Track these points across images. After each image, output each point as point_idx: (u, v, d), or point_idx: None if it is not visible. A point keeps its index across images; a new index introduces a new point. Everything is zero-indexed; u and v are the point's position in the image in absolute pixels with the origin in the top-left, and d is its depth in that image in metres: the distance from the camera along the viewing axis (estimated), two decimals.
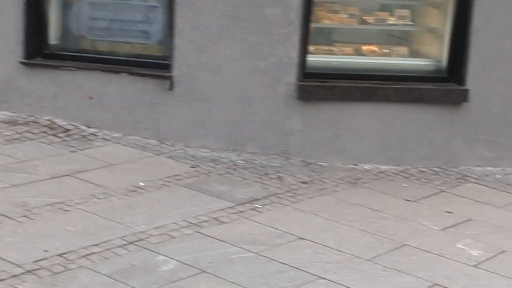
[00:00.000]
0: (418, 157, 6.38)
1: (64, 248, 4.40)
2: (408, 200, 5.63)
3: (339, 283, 4.22)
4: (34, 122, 6.63)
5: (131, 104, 6.50)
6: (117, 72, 6.54)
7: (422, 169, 6.33)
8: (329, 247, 4.69)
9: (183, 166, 5.97)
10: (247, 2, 6.16)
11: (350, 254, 4.59)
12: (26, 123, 6.60)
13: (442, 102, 6.35)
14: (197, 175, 5.81)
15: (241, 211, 5.16)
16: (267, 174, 5.96)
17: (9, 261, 4.18)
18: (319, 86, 6.25)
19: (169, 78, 6.35)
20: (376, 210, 5.34)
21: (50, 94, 6.70)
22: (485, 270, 4.54)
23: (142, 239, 4.60)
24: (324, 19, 6.56)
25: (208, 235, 4.73)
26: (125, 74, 6.51)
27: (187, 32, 6.27)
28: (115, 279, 4.09)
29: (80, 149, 6.18)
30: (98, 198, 5.19)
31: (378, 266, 4.48)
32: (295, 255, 4.53)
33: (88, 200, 5.13)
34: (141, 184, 5.50)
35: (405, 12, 6.58)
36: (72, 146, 6.22)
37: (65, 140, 6.34)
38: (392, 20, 6.59)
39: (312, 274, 4.31)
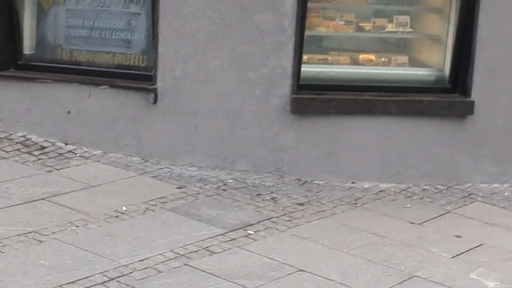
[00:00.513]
0: (420, 174, 5.96)
1: (37, 287, 3.94)
2: (413, 223, 5.21)
3: None
4: (7, 138, 6.16)
5: (112, 119, 6.04)
6: (97, 84, 6.08)
7: (425, 187, 5.92)
8: (332, 280, 4.26)
9: (168, 187, 5.52)
10: (236, 8, 5.73)
11: None
12: None
13: (446, 114, 5.94)
14: (184, 197, 5.36)
15: (233, 239, 4.71)
16: (260, 195, 5.52)
17: None
18: (315, 99, 5.81)
19: (153, 90, 5.90)
20: (380, 236, 4.91)
21: (24, 108, 6.24)
22: None
23: (125, 275, 4.14)
24: (319, 26, 6.14)
25: (197, 268, 4.28)
26: (105, 86, 6.06)
27: (172, 41, 5.82)
28: None
29: (57, 169, 5.71)
30: (76, 226, 4.72)
31: None
32: None
33: (65, 229, 4.67)
34: (124, 208, 5.04)
35: (405, 19, 6.17)
36: (48, 166, 5.75)
37: (41, 159, 5.88)
38: (391, 27, 6.18)
39: None
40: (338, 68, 6.13)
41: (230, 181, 5.74)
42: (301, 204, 5.39)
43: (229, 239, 4.70)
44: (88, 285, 4.00)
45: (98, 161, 5.93)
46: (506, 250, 4.86)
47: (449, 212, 5.49)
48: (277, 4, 5.70)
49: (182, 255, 4.43)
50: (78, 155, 6.02)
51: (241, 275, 4.24)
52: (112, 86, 6.04)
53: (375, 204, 5.53)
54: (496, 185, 5.99)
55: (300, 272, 4.33)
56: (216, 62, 5.79)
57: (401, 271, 4.42)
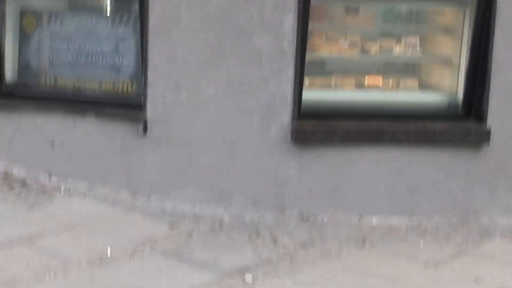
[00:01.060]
0: (433, 208, 5.50)
1: None
2: (428, 265, 4.73)
3: None
4: None
5: (99, 150, 5.60)
6: (83, 113, 5.65)
7: (438, 222, 5.45)
8: None
9: (159, 225, 5.07)
10: (232, 29, 5.29)
11: None
12: None
13: (460, 143, 5.47)
14: (176, 237, 4.90)
15: (229, 286, 4.24)
16: (258, 233, 5.06)
17: None
18: (318, 128, 5.36)
19: (143, 120, 5.46)
20: (392, 280, 4.44)
21: (5, 138, 5.83)
22: None
23: None
24: (321, 48, 5.70)
25: None
26: (91, 115, 5.61)
27: (163, 66, 5.39)
28: None
29: (39, 205, 5.26)
30: (55, 274, 4.25)
31: None
32: None
33: (42, 278, 4.20)
34: (109, 252, 4.58)
35: (414, 39, 5.74)
36: (30, 202, 5.30)
37: (21, 195, 5.43)
38: (399, 49, 5.75)
39: None
40: (342, 94, 5.69)
41: (226, 217, 5.29)
42: (303, 244, 4.93)
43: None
44: None
45: (84, 197, 5.49)
46: None
47: (466, 251, 5.01)
48: (276, 24, 5.26)
49: None
50: (62, 189, 5.58)
51: None
52: (99, 115, 5.60)
53: (385, 243, 5.06)
54: None
55: None
56: (210, 89, 5.35)
57: None
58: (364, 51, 5.73)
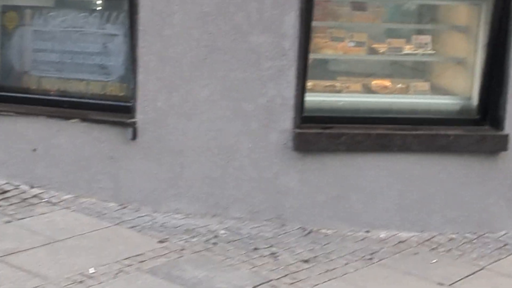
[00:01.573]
0: (446, 220, 5.11)
1: None
2: (442, 285, 4.33)
3: None
4: None
5: (85, 157, 5.19)
6: (68, 117, 5.23)
7: (452, 236, 5.06)
8: None
9: (149, 240, 4.65)
10: (228, 28, 4.88)
11: None
12: None
13: (475, 151, 5.07)
14: (166, 254, 4.47)
15: None
16: (257, 249, 4.64)
17: None
18: (321, 134, 4.95)
19: (132, 125, 5.04)
20: None
21: None
22: None
23: None
24: (325, 49, 5.29)
25: None
26: (77, 120, 5.20)
27: (154, 67, 4.98)
28: None
29: (18, 218, 4.84)
30: None
31: None
32: None
33: None
34: (91, 271, 4.16)
35: (425, 39, 5.35)
36: (8, 214, 4.88)
37: (0, 206, 5.00)
38: (409, 49, 5.34)
39: None
40: (348, 97, 5.28)
41: (222, 231, 4.87)
42: (306, 261, 4.51)
43: None
44: None
45: (68, 208, 5.06)
46: None
47: (482, 268, 4.61)
48: (276, 23, 4.86)
49: None
50: (45, 200, 5.16)
51: None
52: (85, 119, 5.19)
53: (394, 259, 4.65)
54: None
55: None
56: (205, 92, 4.94)
57: None
58: (371, 51, 5.33)
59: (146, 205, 5.08)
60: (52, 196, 5.20)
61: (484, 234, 5.09)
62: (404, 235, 5.02)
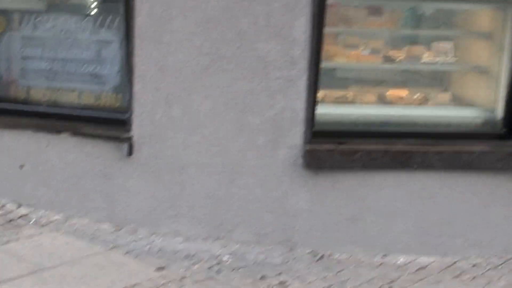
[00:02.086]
0: (470, 244, 4.70)
1: None
2: None
3: None
4: None
5: (77, 175, 4.78)
6: (58, 131, 4.83)
7: (476, 261, 4.64)
8: None
9: (145, 268, 4.23)
10: (233, 34, 4.47)
11: None
12: None
13: (500, 168, 4.65)
14: (165, 283, 4.06)
15: None
16: (264, 277, 4.23)
17: None
18: (334, 150, 4.53)
19: (128, 139, 4.63)
20: None
21: None
22: None
23: None
24: (337, 57, 4.87)
25: None
26: (68, 134, 4.80)
27: (152, 77, 4.56)
28: None
29: (3, 242, 4.43)
30: None
31: None
32: None
33: None
34: None
35: (446, 46, 4.92)
36: None
37: None
38: (428, 57, 4.92)
39: None
40: (363, 109, 4.87)
41: (226, 257, 4.45)
42: None
43: None
44: None
45: (57, 230, 4.65)
46: None
47: None
48: (285, 29, 4.44)
49: None
50: (33, 221, 4.75)
51: None
52: (77, 133, 4.78)
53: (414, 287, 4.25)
54: None
55: None
56: (207, 103, 4.52)
57: None
58: (387, 59, 4.91)
59: (143, 227, 4.68)
60: (40, 217, 4.79)
61: (511, 258, 4.67)
62: (424, 260, 4.61)
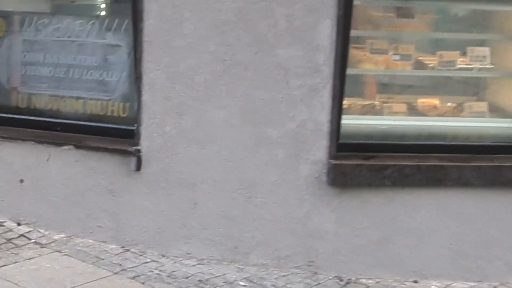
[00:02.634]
0: (510, 268, 4.31)
1: None
2: None
3: None
4: None
5: (80, 191, 4.43)
6: (60, 143, 4.48)
7: None
8: None
9: None
10: (250, 39, 4.10)
11: None
12: None
13: None
14: None
15: None
16: None
17: None
18: (362, 166, 4.14)
19: (136, 153, 4.27)
20: None
21: None
22: None
23: None
24: (364, 63, 4.47)
25: None
26: (71, 146, 4.44)
27: (162, 85, 4.20)
28: None
29: (0, 264, 4.04)
30: None
31: None
32: None
33: None
34: None
35: (482, 51, 4.52)
36: None
37: None
38: (463, 63, 4.50)
39: None
40: (392, 120, 4.47)
41: (241, 282, 4.08)
42: None
43: None
44: None
45: (59, 251, 4.28)
46: None
47: None
48: (308, 33, 4.07)
49: None
50: (32, 241, 4.39)
51: None
52: (80, 146, 4.42)
53: None
54: None
55: None
56: (222, 114, 4.15)
57: None
58: (419, 65, 4.51)
59: (152, 248, 4.31)
60: (41, 236, 4.43)
61: None
62: (459, 286, 4.24)
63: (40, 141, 4.49)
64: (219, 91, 4.14)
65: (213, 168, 4.21)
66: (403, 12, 4.47)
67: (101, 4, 4.71)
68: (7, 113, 4.69)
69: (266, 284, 4.07)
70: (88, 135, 4.46)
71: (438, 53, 4.52)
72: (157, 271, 4.12)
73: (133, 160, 4.27)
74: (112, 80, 4.53)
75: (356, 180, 4.14)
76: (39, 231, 4.47)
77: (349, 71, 4.20)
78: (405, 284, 4.20)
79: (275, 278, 4.14)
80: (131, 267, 4.14)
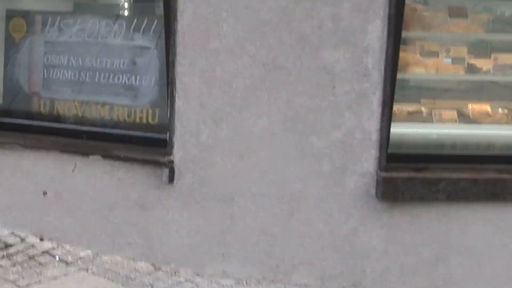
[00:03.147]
0: None
1: None
2: None
3: None
4: None
5: (108, 204, 4.12)
6: (86, 152, 4.17)
7: None
8: None
9: None
10: (293, 41, 3.78)
11: None
12: None
13: None
14: None
15: None
16: None
17: None
18: (414, 179, 3.80)
19: (168, 164, 3.96)
20: None
21: None
22: None
23: None
24: (413, 66, 4.14)
25: None
26: (98, 156, 4.13)
27: (196, 90, 3.88)
28: None
29: (23, 284, 3.74)
30: None
31: None
32: None
33: None
34: None
35: None
36: (9, 280, 3.80)
37: (1, 266, 3.93)
38: None
39: None
40: (443, 128, 4.12)
41: None
42: None
43: None
44: None
45: (86, 270, 3.97)
46: None
47: None
48: (357, 34, 3.74)
49: None
50: (57, 258, 4.08)
51: None
52: (108, 155, 4.10)
53: None
54: None
55: None
56: (262, 123, 3.83)
57: None
58: (472, 69, 4.17)
59: (186, 267, 4.00)
60: (66, 253, 4.13)
61: None
62: None
63: (64, 150, 4.19)
64: (259, 97, 3.82)
65: (252, 181, 3.88)
66: (456, 12, 4.13)
67: (128, 3, 4.41)
68: (28, 119, 4.41)
69: None
70: (116, 144, 4.15)
71: (493, 56, 4.18)
72: None
73: (165, 172, 3.96)
74: (140, 85, 4.22)
75: (408, 194, 3.80)
76: (63, 248, 4.17)
77: (398, 75, 3.87)
78: None
79: None
80: (163, 287, 3.83)
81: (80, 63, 4.35)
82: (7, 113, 4.48)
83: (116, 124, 4.24)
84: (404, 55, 4.07)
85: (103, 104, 4.28)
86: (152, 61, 4.17)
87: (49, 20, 4.43)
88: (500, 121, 4.20)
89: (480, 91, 4.33)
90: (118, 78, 4.26)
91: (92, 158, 4.12)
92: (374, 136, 3.81)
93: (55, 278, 3.85)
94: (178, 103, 3.92)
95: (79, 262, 4.04)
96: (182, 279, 3.92)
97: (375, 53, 3.74)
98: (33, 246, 4.17)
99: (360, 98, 3.78)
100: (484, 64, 4.17)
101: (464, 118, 4.22)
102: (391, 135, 3.86)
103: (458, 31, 4.15)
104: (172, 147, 3.96)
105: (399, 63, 3.89)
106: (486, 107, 4.25)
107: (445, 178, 3.82)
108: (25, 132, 4.35)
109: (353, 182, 3.84)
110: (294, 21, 3.77)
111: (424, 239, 3.88)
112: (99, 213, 4.13)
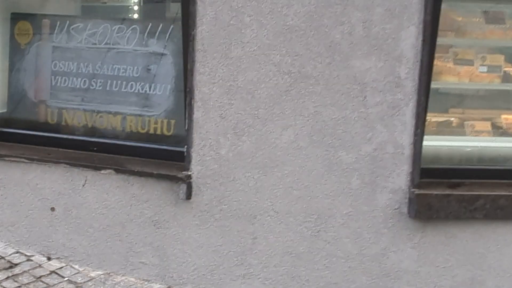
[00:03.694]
0: None
1: None
2: None
3: None
4: None
5: (121, 222, 3.87)
6: (97, 167, 3.91)
7: None
8: None
9: None
10: (321, 48, 3.53)
11: None
12: None
13: None
14: None
15: None
16: None
17: None
18: (450, 196, 3.55)
19: (186, 179, 3.70)
20: None
21: None
22: None
23: None
24: (446, 75, 3.90)
25: None
26: (110, 171, 3.86)
27: (217, 100, 3.63)
28: None
29: None
30: None
31: None
32: None
33: None
34: None
35: None
36: None
37: (5, 284, 3.68)
38: None
39: None
40: (480, 142, 3.88)
41: None
42: None
43: None
44: None
45: None
46: None
47: None
48: (389, 41, 3.49)
49: None
50: (66, 279, 3.84)
51: None
52: (120, 170, 3.85)
53: None
54: None
55: None
56: (287, 135, 3.58)
57: None
58: (508, 78, 3.92)
59: None
60: (75, 273, 3.87)
61: None
62: None
63: (74, 163, 3.93)
64: (284, 108, 3.57)
65: (275, 197, 3.63)
66: (492, 17, 3.89)
67: (144, 6, 4.16)
68: (34, 130, 4.15)
69: None
70: (129, 157, 3.90)
71: None
72: None
73: (182, 187, 3.70)
74: (155, 94, 3.97)
75: (443, 212, 3.56)
76: (73, 268, 3.91)
77: (432, 85, 3.63)
78: None
79: None
80: None
81: (90, 70, 4.10)
82: (12, 123, 4.23)
83: (129, 136, 4.00)
84: (436, 62, 3.83)
85: (115, 114, 4.04)
86: (167, 69, 3.93)
87: (57, 24, 4.18)
88: None
89: (509, 100, 4.09)
90: (131, 86, 4.01)
91: (104, 172, 3.86)
92: (407, 150, 3.55)
93: None
94: (197, 114, 3.67)
95: (89, 283, 3.79)
96: None
97: (409, 61, 3.49)
98: (40, 265, 3.91)
99: (392, 110, 3.53)
100: None
101: (497, 129, 3.98)
102: (429, 151, 3.63)
103: (494, 38, 3.90)
104: (189, 161, 3.70)
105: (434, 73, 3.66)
106: None
107: (483, 195, 3.57)
108: (31, 143, 4.10)
109: (383, 200, 3.59)
110: (323, 27, 3.52)
111: (459, 260, 3.63)
112: (111, 230, 3.88)
